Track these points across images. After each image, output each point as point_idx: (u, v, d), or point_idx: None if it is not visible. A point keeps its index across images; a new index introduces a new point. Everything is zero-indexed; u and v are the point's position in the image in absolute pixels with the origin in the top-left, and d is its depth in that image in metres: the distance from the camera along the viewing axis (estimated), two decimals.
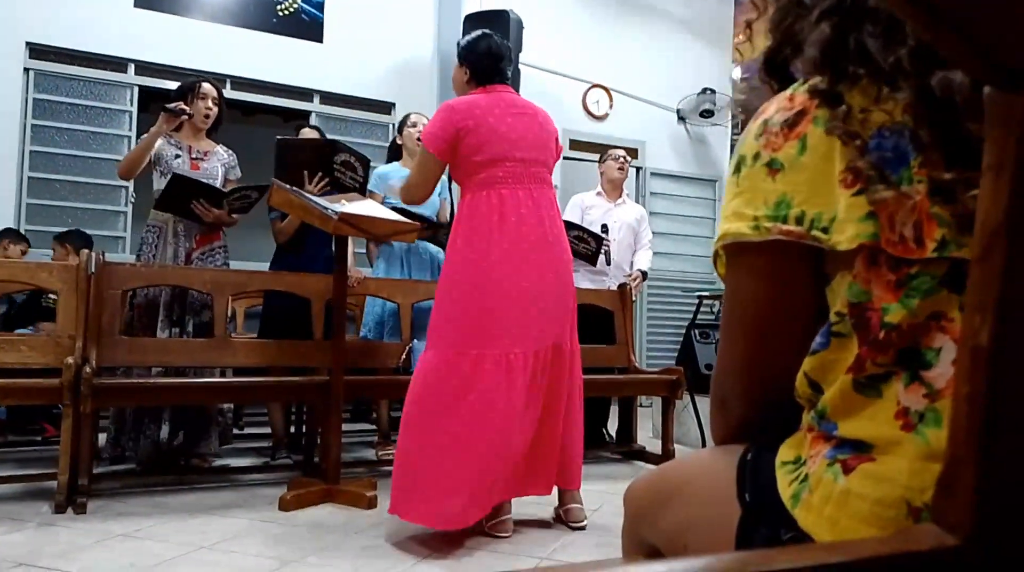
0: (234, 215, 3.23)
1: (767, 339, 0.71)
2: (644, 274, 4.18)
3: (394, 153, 3.80)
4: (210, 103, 3.23)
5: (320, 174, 3.24)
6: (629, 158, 4.33)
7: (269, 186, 3.19)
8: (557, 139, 2.51)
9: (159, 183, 3.16)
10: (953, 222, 0.56)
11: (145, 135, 3.14)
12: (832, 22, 0.65)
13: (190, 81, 3.31)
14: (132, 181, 4.33)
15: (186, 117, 3.13)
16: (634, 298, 4.03)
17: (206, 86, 3.25)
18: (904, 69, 0.59)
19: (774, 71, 0.74)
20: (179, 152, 3.18)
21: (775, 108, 0.69)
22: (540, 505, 2.60)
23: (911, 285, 0.59)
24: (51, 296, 3.59)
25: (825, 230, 0.62)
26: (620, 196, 4.24)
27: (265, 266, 3.62)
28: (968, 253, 0.56)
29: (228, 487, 2.89)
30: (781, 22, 0.72)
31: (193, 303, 3.13)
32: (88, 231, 4.46)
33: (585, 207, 4.15)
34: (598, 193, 4.22)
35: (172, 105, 3.11)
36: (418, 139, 3.55)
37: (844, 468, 0.61)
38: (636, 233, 4.19)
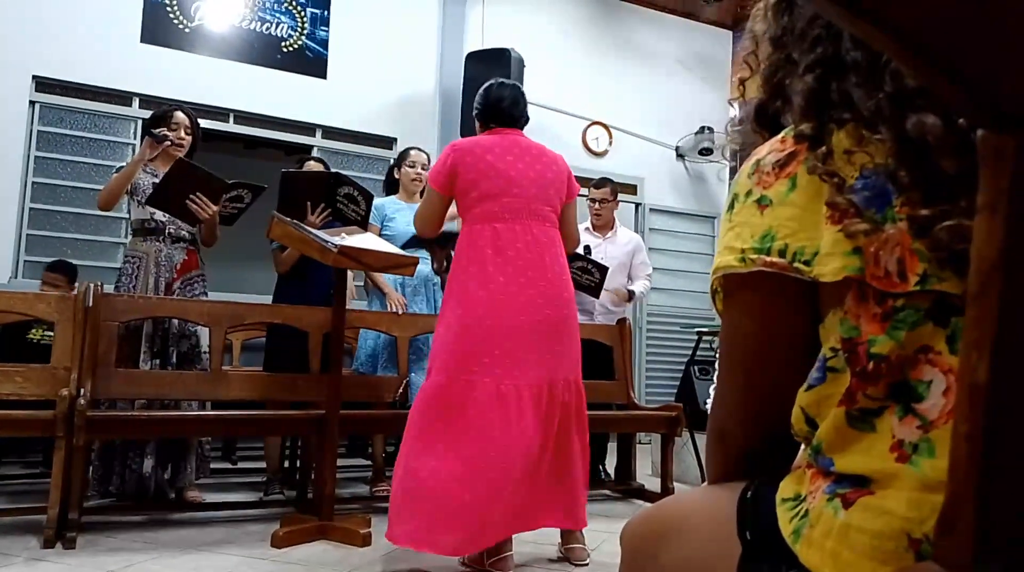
0: (220, 226, 3.19)
1: (763, 373, 0.73)
2: (631, 293, 4.12)
3: (391, 186, 3.82)
4: (182, 133, 3.22)
5: (323, 205, 3.23)
6: (607, 198, 4.17)
7: (264, 188, 3.20)
8: (570, 179, 2.55)
9: (136, 213, 3.15)
10: (932, 257, 0.58)
11: (125, 164, 3.13)
12: (815, 74, 0.68)
13: (162, 109, 3.30)
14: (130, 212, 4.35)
15: (168, 143, 3.13)
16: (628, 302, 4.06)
17: (179, 115, 3.25)
18: (883, 114, 0.62)
19: (764, 122, 0.77)
20: (155, 180, 3.14)
21: (767, 150, 0.72)
22: (541, 545, 2.56)
23: (897, 317, 0.61)
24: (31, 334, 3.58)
25: (807, 263, 0.65)
26: (611, 230, 4.19)
27: (265, 298, 3.61)
28: (949, 286, 0.57)
29: (220, 523, 2.85)
30: (772, 77, 0.75)
31: (174, 333, 3.11)
32: (87, 263, 4.47)
33: None
34: (587, 228, 4.13)
35: (157, 131, 3.11)
36: (414, 178, 3.63)
37: (844, 502, 0.62)
38: (630, 267, 4.16)
